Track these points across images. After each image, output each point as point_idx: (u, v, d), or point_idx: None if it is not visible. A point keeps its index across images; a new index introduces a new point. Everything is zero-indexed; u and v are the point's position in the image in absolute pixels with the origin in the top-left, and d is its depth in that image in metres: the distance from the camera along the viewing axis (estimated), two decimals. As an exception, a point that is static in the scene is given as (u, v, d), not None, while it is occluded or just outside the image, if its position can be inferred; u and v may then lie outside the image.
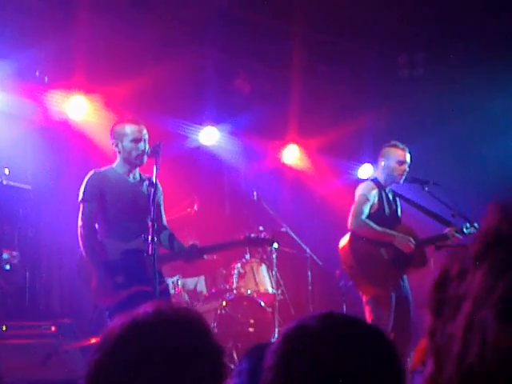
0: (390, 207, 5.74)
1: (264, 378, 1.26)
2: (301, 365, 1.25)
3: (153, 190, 4.52)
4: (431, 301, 0.93)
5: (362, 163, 8.09)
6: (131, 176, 4.90)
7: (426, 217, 5.73)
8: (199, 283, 6.73)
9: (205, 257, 5.15)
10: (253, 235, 5.70)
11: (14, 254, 5.80)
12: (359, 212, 5.54)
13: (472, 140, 7.53)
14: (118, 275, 4.63)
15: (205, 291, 6.65)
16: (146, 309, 1.47)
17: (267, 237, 5.88)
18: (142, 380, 1.36)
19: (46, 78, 6.03)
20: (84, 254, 4.69)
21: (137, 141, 4.79)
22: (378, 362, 1.27)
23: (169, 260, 5.16)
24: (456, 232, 5.52)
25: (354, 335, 1.31)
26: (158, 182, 4.68)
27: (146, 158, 4.77)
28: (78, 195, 4.81)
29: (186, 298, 6.44)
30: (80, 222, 4.75)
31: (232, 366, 3.39)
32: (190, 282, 6.68)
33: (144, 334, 1.43)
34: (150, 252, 4.34)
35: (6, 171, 5.82)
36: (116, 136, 4.86)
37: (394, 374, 1.28)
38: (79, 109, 6.28)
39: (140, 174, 4.95)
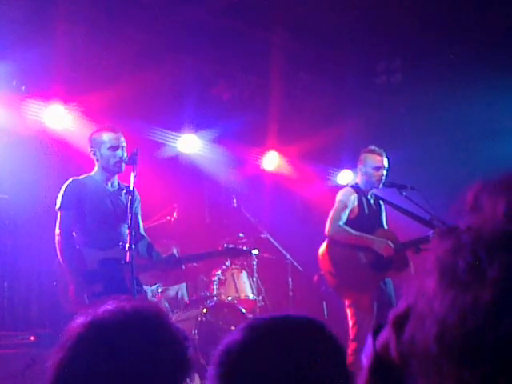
0: (370, 212, 5.78)
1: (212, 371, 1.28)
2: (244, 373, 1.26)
3: (130, 197, 4.52)
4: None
5: (342, 169, 8.14)
6: (109, 184, 4.90)
7: (410, 220, 5.76)
8: (180, 290, 6.72)
9: (183, 267, 5.16)
10: (231, 246, 5.73)
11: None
12: (336, 218, 5.58)
13: (451, 146, 7.61)
14: (96, 284, 4.61)
15: (186, 298, 6.64)
16: (106, 307, 1.47)
17: (245, 248, 5.93)
18: (103, 377, 1.37)
19: (24, 88, 6.01)
20: (61, 262, 4.67)
21: (114, 148, 4.79)
22: (321, 357, 1.28)
23: (146, 269, 5.15)
24: (438, 234, 5.55)
25: (290, 335, 1.31)
26: (135, 190, 4.68)
27: (124, 165, 4.77)
28: (55, 204, 4.80)
29: (167, 305, 6.43)
30: (57, 231, 4.73)
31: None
32: (171, 290, 6.67)
33: (103, 331, 1.43)
34: (127, 259, 4.34)
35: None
36: (94, 144, 4.86)
37: (337, 366, 1.29)
38: (57, 118, 6.26)
39: (119, 183, 4.95)
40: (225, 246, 6.09)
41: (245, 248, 6.14)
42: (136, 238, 4.55)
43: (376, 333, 0.92)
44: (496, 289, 0.74)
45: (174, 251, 6.45)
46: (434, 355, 0.77)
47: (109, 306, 1.47)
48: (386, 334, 0.88)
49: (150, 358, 1.39)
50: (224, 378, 1.27)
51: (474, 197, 0.93)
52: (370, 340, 0.91)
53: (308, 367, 1.26)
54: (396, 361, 0.86)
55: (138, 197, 5.00)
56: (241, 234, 6.72)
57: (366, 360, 0.91)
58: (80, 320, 1.47)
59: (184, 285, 6.76)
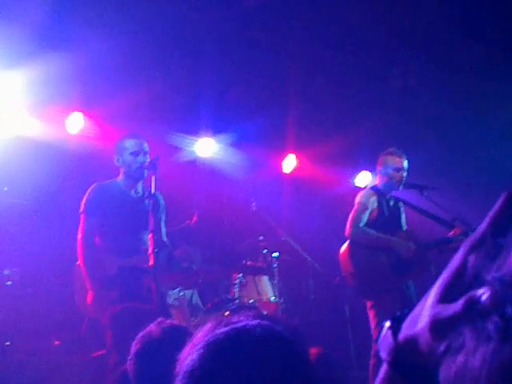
0: (390, 213, 5.77)
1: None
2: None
3: (152, 202, 4.54)
4: None
5: (360, 171, 8.13)
6: (133, 191, 4.93)
7: (430, 221, 5.74)
8: (194, 295, 6.72)
9: (200, 280, 5.19)
10: (249, 263, 5.78)
11: (15, 270, 5.81)
12: (357, 220, 5.58)
13: (468, 147, 7.57)
14: (114, 290, 4.64)
15: (200, 303, 6.64)
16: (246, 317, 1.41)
17: (264, 266, 5.98)
18: None
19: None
20: (81, 266, 4.70)
21: (136, 154, 4.84)
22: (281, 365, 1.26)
23: (165, 276, 5.16)
24: (460, 235, 5.51)
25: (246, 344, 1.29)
26: (159, 195, 4.71)
27: (146, 171, 4.80)
28: (78, 209, 4.83)
29: (186, 309, 6.43)
30: (79, 235, 4.76)
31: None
32: (187, 294, 6.67)
33: (247, 343, 1.37)
34: (150, 264, 4.35)
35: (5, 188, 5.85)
36: (117, 151, 4.92)
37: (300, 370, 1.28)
38: (77, 124, 6.31)
39: (143, 189, 4.97)
40: (243, 262, 6.14)
41: (263, 265, 6.20)
42: (157, 243, 4.57)
43: (395, 324, 0.89)
44: None
45: (197, 257, 6.51)
46: None
47: (248, 317, 1.41)
48: (419, 332, 0.85)
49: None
50: None
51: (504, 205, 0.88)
52: (388, 332, 0.88)
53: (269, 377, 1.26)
54: (426, 353, 0.83)
55: (162, 202, 5.02)
56: (261, 237, 6.73)
57: (384, 353, 0.88)
58: (209, 335, 1.43)
59: (196, 290, 6.77)
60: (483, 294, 0.76)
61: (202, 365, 1.26)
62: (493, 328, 0.71)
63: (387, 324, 0.88)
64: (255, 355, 1.27)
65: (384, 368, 0.88)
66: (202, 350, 1.28)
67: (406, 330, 0.85)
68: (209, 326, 1.39)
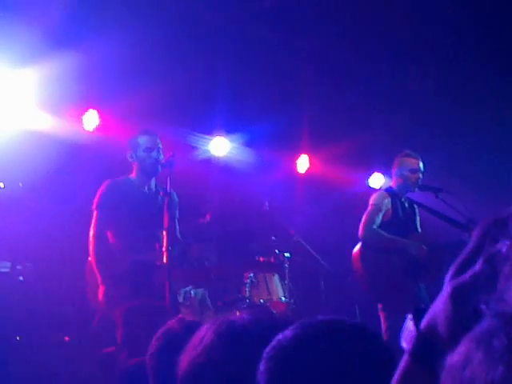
0: (404, 215, 5.74)
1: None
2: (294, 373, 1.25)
3: (167, 199, 4.53)
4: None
5: (373, 172, 8.11)
6: (146, 187, 4.93)
7: (444, 224, 5.71)
8: (205, 293, 6.71)
9: (212, 276, 5.18)
10: (262, 259, 5.76)
11: (28, 265, 5.82)
12: (370, 221, 5.57)
13: (483, 149, 7.53)
14: (125, 286, 4.63)
15: (209, 302, 6.63)
16: (243, 315, 1.47)
17: (276, 262, 5.97)
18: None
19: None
20: (93, 262, 4.70)
21: (149, 150, 4.84)
22: (364, 358, 1.26)
23: (178, 273, 5.16)
24: None
25: (333, 336, 1.30)
26: (174, 193, 4.70)
27: (160, 167, 4.81)
28: (91, 205, 4.84)
29: (198, 307, 6.43)
30: (92, 231, 4.77)
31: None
32: (199, 292, 6.66)
33: (242, 338, 1.43)
34: (164, 261, 4.35)
35: (20, 184, 5.87)
36: (130, 147, 4.93)
37: (382, 370, 1.27)
38: (93, 121, 6.33)
39: (156, 185, 4.97)
40: (256, 258, 6.13)
41: (274, 259, 6.19)
42: (171, 240, 4.57)
43: (417, 315, 0.90)
44: None
45: (210, 254, 6.51)
46: None
47: (245, 314, 1.47)
48: (440, 306, 0.86)
49: None
50: (272, 373, 1.26)
51: None
52: (410, 323, 0.90)
53: (357, 374, 1.25)
54: (444, 337, 0.84)
55: (176, 199, 5.02)
56: (273, 237, 6.72)
57: (407, 344, 0.90)
58: (215, 323, 1.46)
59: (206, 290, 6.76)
60: (502, 246, 0.81)
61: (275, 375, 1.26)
62: (499, 346, 0.72)
63: (409, 316, 0.91)
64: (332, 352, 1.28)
65: (405, 359, 0.91)
66: (272, 353, 1.28)
67: (426, 317, 0.88)
68: (213, 325, 1.40)
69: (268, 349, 1.30)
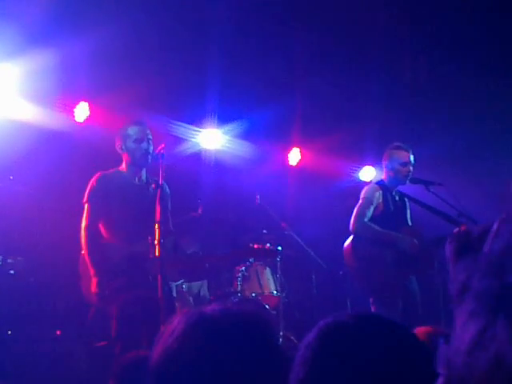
0: (395, 209, 5.75)
1: (295, 373, 1.25)
2: (335, 363, 1.23)
3: (158, 191, 4.52)
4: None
5: (364, 166, 8.12)
6: (137, 179, 4.91)
7: (434, 217, 5.72)
8: (203, 287, 6.71)
9: (206, 265, 5.16)
10: (256, 246, 5.75)
11: (19, 259, 5.79)
12: (361, 214, 5.58)
13: (476, 143, 7.55)
14: (118, 278, 4.62)
15: (208, 295, 6.63)
16: (213, 306, 1.51)
17: (269, 246, 5.95)
18: (204, 373, 1.38)
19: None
20: (85, 255, 4.68)
21: (139, 141, 4.83)
22: (410, 363, 1.25)
23: (170, 265, 5.15)
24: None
25: (388, 336, 1.29)
26: (165, 185, 4.68)
27: (150, 158, 4.80)
28: (82, 197, 4.82)
29: (191, 301, 6.43)
30: (83, 224, 4.75)
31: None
32: (194, 286, 6.67)
33: (212, 328, 1.45)
34: (156, 254, 4.34)
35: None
36: (120, 138, 4.91)
37: (425, 378, 1.27)
38: (83, 113, 6.29)
39: (147, 177, 4.96)
40: (250, 245, 6.12)
41: (269, 246, 6.18)
42: (164, 232, 4.56)
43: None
44: None
45: (198, 249, 6.49)
46: None
47: (216, 305, 1.50)
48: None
49: (251, 359, 1.40)
50: (324, 350, 1.26)
51: None
52: (443, 347, 0.91)
53: (395, 375, 1.24)
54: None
55: (167, 191, 5.00)
56: (264, 231, 6.72)
57: (441, 367, 0.90)
58: (187, 315, 1.49)
59: (206, 282, 6.76)
60: None
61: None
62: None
63: (442, 340, 0.92)
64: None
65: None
66: (313, 340, 1.28)
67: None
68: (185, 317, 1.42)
69: (323, 327, 1.29)
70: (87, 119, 6.30)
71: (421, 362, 1.23)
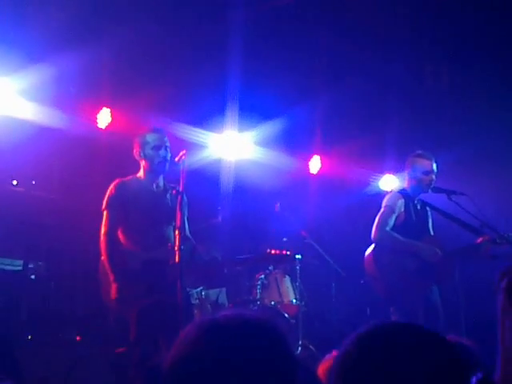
0: (417, 218, 5.69)
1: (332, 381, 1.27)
2: (377, 372, 1.25)
3: (179, 198, 4.53)
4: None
5: (384, 174, 8.08)
6: (155, 185, 4.92)
7: (456, 227, 5.66)
8: (221, 295, 6.71)
9: (225, 270, 5.14)
10: (274, 251, 5.72)
11: (40, 264, 5.83)
12: (383, 223, 5.52)
13: (499, 151, 7.47)
14: (137, 284, 4.62)
15: (226, 303, 6.62)
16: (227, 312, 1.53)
17: (288, 253, 5.92)
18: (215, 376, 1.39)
19: (72, 89, 6.08)
20: (105, 261, 4.69)
21: (157, 148, 4.84)
22: (447, 373, 1.25)
23: (189, 271, 5.15)
24: (488, 242, 5.42)
25: (427, 346, 1.30)
26: (183, 192, 4.68)
27: (167, 165, 4.82)
28: (102, 204, 4.84)
29: (209, 308, 6.42)
30: (102, 230, 4.77)
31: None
32: (213, 294, 6.66)
33: (224, 334, 1.47)
34: (176, 260, 4.34)
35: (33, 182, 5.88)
36: (138, 145, 4.92)
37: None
38: (105, 119, 6.34)
39: (165, 183, 4.97)
40: (268, 251, 6.10)
41: (288, 253, 6.16)
42: (182, 238, 4.55)
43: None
44: None
45: (217, 255, 6.48)
46: None
47: (229, 312, 1.53)
48: None
49: (261, 366, 1.42)
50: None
51: None
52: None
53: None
54: None
55: (186, 198, 5.00)
56: (284, 239, 6.70)
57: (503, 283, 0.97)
58: (200, 321, 1.52)
59: (224, 289, 6.75)
60: None
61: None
62: None
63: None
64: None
65: (501, 296, 1.05)
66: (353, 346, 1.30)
67: None
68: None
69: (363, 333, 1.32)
70: (109, 125, 6.34)
71: (456, 371, 1.23)
